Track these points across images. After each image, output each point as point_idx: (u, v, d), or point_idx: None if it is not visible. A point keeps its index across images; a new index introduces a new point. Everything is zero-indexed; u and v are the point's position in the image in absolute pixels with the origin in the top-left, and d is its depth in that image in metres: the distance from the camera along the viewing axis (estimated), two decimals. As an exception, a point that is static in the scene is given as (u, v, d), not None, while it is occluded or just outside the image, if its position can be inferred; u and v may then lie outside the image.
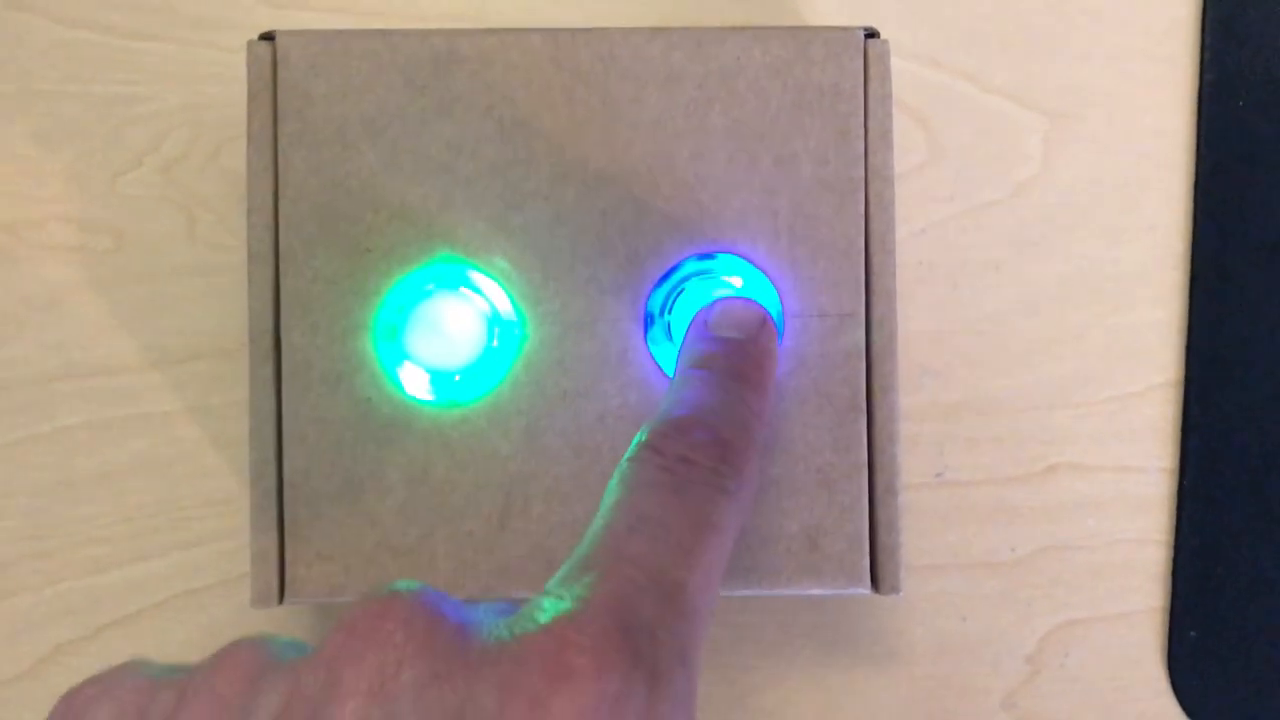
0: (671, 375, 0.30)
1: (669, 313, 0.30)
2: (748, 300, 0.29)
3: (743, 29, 0.31)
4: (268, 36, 0.30)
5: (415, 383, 0.30)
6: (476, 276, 0.30)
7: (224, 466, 0.36)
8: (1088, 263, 0.37)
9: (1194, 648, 0.36)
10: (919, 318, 0.37)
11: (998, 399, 0.37)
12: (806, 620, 0.36)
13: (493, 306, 0.30)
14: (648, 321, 0.30)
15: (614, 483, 0.24)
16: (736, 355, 0.28)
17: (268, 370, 0.30)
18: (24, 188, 0.37)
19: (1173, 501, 0.37)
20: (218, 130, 0.37)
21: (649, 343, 0.30)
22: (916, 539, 0.37)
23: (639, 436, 0.25)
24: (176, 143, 0.37)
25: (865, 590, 0.30)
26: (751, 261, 0.31)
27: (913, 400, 0.37)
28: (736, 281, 0.30)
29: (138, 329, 0.36)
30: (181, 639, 0.36)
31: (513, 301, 0.30)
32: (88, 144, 0.37)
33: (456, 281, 0.30)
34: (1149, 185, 0.37)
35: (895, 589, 0.30)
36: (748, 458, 0.25)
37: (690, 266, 0.30)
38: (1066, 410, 0.37)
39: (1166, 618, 0.37)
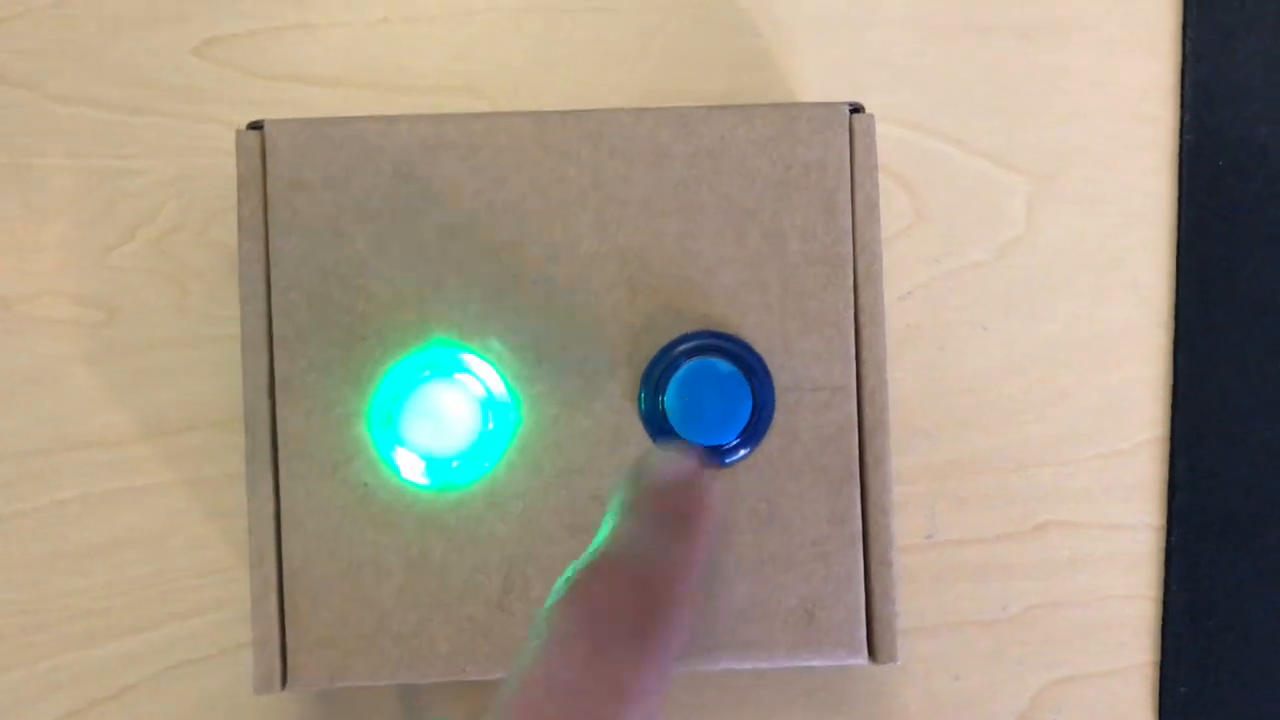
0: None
1: (662, 390, 0.30)
2: (684, 449, 0.28)
3: (728, 107, 0.31)
4: (256, 125, 0.31)
5: (412, 468, 0.30)
6: (470, 360, 0.30)
7: (218, 537, 0.36)
8: (1073, 321, 0.38)
9: (1185, 703, 0.37)
10: (907, 380, 0.37)
11: (987, 458, 0.37)
12: (801, 684, 0.37)
13: (487, 389, 0.30)
14: (642, 399, 0.31)
15: (538, 624, 0.23)
16: (673, 500, 0.26)
17: (265, 457, 0.30)
18: (17, 261, 0.37)
19: (1161, 557, 0.37)
20: (210, 203, 0.37)
21: (643, 420, 0.31)
22: (909, 600, 0.37)
23: (566, 574, 0.24)
24: (169, 215, 0.37)
25: (863, 661, 0.31)
26: (742, 337, 0.31)
27: (902, 461, 0.37)
28: (725, 359, 0.31)
29: (131, 401, 0.37)
30: (177, 711, 0.36)
31: (506, 384, 0.30)
32: (80, 217, 0.37)
33: (450, 366, 0.30)
34: (1132, 244, 0.38)
35: (893, 658, 0.30)
36: (674, 614, 0.24)
37: (682, 343, 0.31)
38: (1055, 468, 0.37)
39: (1157, 673, 0.37)
